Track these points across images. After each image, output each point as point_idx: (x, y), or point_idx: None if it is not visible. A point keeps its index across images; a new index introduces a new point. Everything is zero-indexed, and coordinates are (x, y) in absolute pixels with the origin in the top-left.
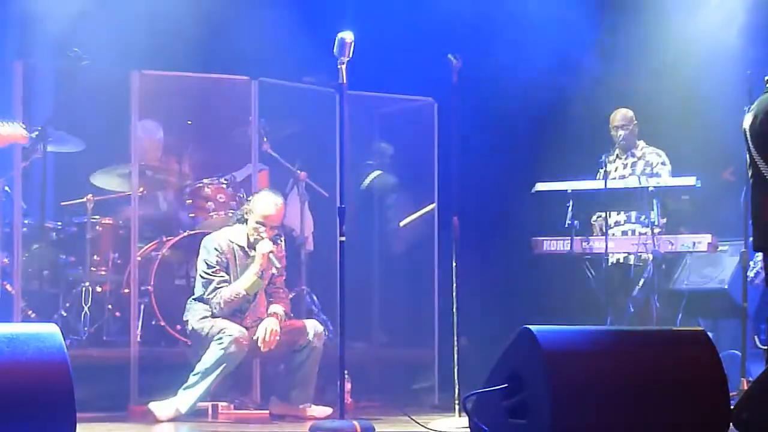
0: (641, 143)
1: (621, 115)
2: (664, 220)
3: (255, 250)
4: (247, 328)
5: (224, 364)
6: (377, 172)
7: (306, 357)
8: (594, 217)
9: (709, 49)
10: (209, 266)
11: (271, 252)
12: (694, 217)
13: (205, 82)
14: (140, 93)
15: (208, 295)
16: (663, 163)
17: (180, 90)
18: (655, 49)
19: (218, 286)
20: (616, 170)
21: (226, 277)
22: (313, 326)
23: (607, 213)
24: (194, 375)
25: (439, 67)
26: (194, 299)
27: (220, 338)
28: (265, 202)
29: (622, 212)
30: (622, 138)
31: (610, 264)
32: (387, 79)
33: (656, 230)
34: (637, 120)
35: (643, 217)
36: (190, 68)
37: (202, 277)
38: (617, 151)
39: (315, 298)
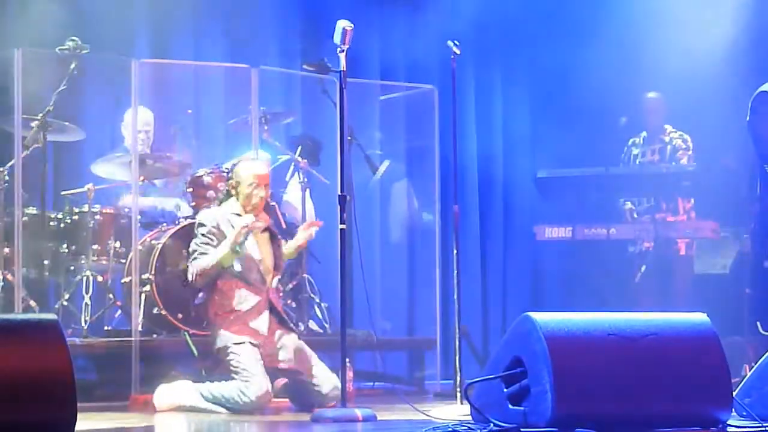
0: (668, 127)
1: (651, 97)
2: (690, 204)
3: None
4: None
5: (234, 410)
6: (387, 162)
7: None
8: (622, 201)
9: (712, 34)
10: (201, 236)
11: (246, 227)
12: (695, 203)
13: (204, 71)
14: (140, 82)
15: (190, 262)
16: (686, 149)
17: (180, 78)
18: (664, 32)
19: (197, 257)
20: (643, 155)
21: (212, 245)
22: (330, 381)
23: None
24: (210, 392)
25: (440, 54)
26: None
27: (244, 391)
28: (251, 163)
29: (653, 198)
30: (647, 121)
31: (633, 251)
32: (388, 66)
33: (683, 217)
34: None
35: (671, 203)
36: (190, 57)
37: (193, 250)
38: (644, 135)
39: (315, 286)
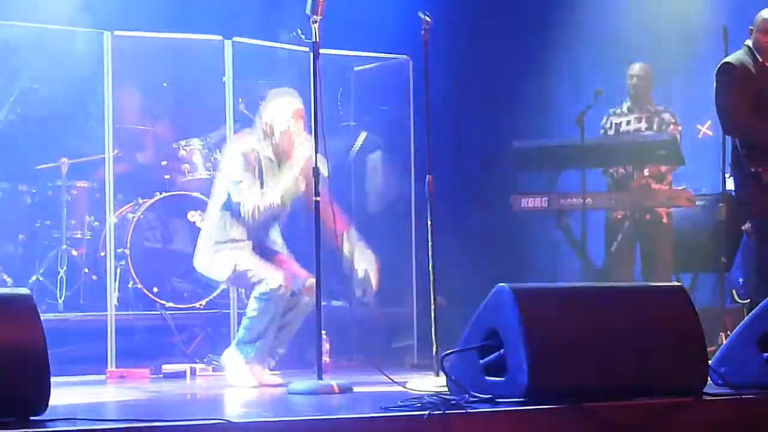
0: (652, 100)
1: (639, 66)
2: (671, 178)
3: (283, 163)
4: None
5: (265, 318)
6: (363, 134)
7: (292, 319)
8: (596, 171)
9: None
10: (237, 171)
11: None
12: (671, 171)
13: (178, 43)
14: (113, 54)
15: (239, 198)
16: (676, 123)
17: (154, 51)
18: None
19: (251, 189)
20: (628, 123)
21: (257, 181)
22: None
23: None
24: (242, 330)
25: (415, 24)
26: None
27: (263, 291)
28: (283, 100)
29: (629, 167)
30: (633, 87)
31: (611, 220)
32: (362, 37)
33: (665, 186)
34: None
35: (649, 172)
36: (163, 29)
37: (229, 179)
38: (628, 104)
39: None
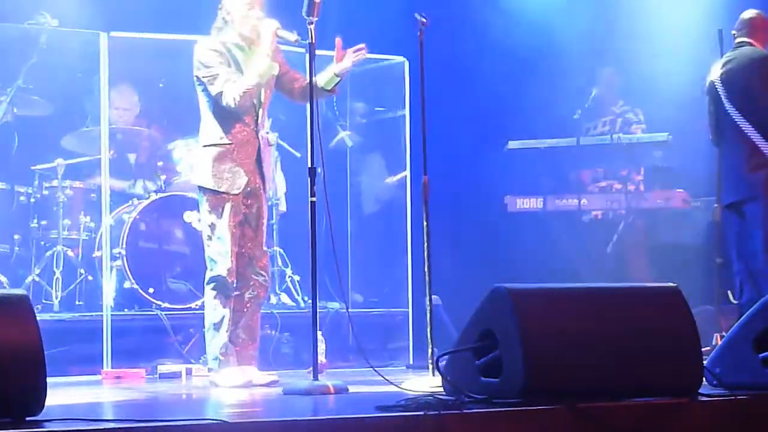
0: (620, 101)
1: (605, 72)
2: (641, 177)
3: (252, 47)
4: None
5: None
6: (345, 132)
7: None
8: (578, 172)
9: (679, 6)
10: (208, 66)
11: (278, 28)
12: (666, 172)
13: (174, 44)
14: (109, 55)
15: (220, 88)
16: (638, 122)
17: (149, 52)
18: (629, 7)
19: (228, 78)
20: (595, 128)
21: (233, 68)
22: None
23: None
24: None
25: (411, 25)
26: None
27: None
28: None
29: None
30: (600, 93)
31: (587, 220)
32: (358, 38)
33: (632, 186)
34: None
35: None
36: (160, 29)
37: (202, 78)
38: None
39: (287, 259)
